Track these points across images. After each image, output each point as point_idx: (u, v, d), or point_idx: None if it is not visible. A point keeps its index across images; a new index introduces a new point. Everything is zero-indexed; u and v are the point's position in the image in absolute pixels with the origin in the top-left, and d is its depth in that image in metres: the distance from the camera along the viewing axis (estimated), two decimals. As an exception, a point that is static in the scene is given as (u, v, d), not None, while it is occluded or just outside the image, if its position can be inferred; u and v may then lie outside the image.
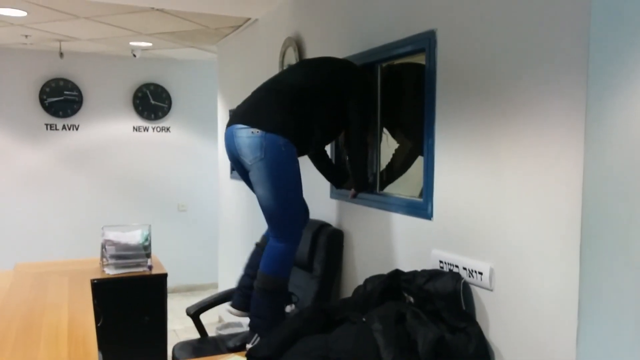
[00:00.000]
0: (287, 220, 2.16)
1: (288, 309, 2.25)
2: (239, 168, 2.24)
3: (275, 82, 2.32)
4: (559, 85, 1.43)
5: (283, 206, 2.13)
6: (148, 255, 3.30)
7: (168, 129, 5.93)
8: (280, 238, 2.16)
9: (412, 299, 1.84)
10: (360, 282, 2.08)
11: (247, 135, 2.08)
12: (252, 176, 2.13)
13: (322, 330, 1.79)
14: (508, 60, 1.60)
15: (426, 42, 1.98)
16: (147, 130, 5.86)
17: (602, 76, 1.36)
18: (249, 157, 2.09)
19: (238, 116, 2.17)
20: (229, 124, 2.19)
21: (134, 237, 3.33)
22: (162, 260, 3.52)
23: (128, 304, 3.17)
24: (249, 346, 2.13)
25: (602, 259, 1.39)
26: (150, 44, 4.95)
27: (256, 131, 2.06)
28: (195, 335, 2.86)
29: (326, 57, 2.46)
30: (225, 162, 4.76)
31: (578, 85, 1.38)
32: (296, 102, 2.18)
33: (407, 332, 1.62)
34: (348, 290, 2.58)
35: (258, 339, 2.12)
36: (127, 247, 3.26)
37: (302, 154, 2.30)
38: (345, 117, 2.26)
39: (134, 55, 5.27)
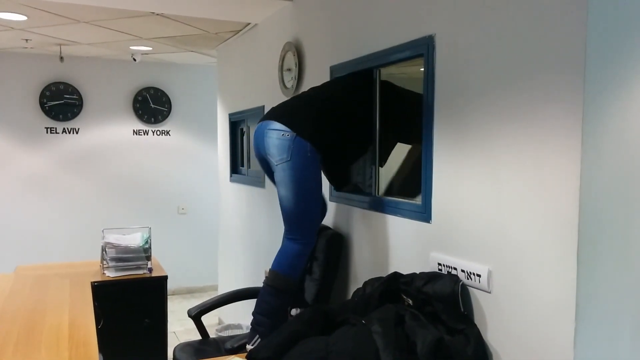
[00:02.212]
0: (303, 222, 2.25)
1: (293, 312, 2.28)
2: (265, 166, 2.35)
3: (309, 95, 2.47)
4: (556, 89, 1.45)
5: (301, 208, 2.23)
6: (148, 258, 3.31)
7: (168, 133, 5.95)
8: (295, 240, 2.25)
9: (410, 301, 1.86)
10: (360, 284, 2.10)
11: (277, 136, 2.19)
12: (277, 176, 2.24)
13: (322, 333, 1.81)
14: (505, 65, 1.62)
15: (424, 47, 2.00)
16: (147, 134, 5.87)
17: (599, 80, 1.38)
18: (275, 158, 2.21)
19: (273, 114, 2.29)
20: (262, 120, 2.31)
21: (134, 240, 3.34)
22: (162, 262, 3.53)
23: (128, 306, 3.17)
24: (249, 347, 2.15)
25: (600, 261, 1.41)
26: (150, 48, 4.97)
27: (286, 134, 2.17)
28: (195, 337, 2.87)
29: (346, 75, 2.61)
30: (225, 166, 4.78)
31: (575, 88, 1.40)
32: (327, 112, 2.32)
33: (406, 334, 1.64)
34: (347, 293, 2.60)
35: (258, 340, 2.14)
36: (127, 249, 3.27)
37: (333, 168, 2.49)
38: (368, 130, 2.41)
39: (134, 59, 5.28)
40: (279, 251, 2.28)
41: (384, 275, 2.01)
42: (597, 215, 1.40)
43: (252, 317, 2.30)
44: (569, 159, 1.42)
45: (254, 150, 2.36)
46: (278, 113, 2.31)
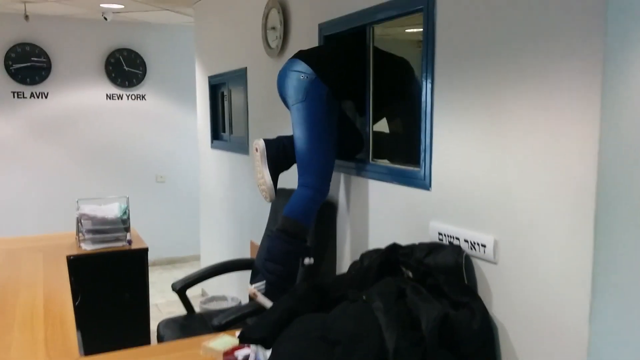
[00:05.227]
0: (316, 165, 2.23)
1: (307, 261, 2.24)
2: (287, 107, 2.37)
3: (336, 47, 2.47)
4: (574, 44, 1.32)
5: (314, 151, 2.22)
6: (127, 229, 3.17)
7: (143, 97, 5.71)
8: (307, 187, 2.22)
9: (410, 274, 1.76)
10: (355, 257, 1.99)
11: (296, 78, 2.22)
12: (292, 117, 2.26)
13: (318, 309, 1.71)
14: (515, 17, 1.48)
15: (424, 1, 1.84)
16: (121, 99, 5.62)
17: (621, 33, 1.26)
18: (292, 98, 2.24)
19: (300, 53, 2.31)
20: (290, 59, 2.31)
21: (111, 211, 3.18)
22: (141, 233, 3.40)
23: (107, 281, 3.06)
24: (250, 287, 2.16)
25: (619, 229, 1.32)
26: (122, 6, 4.70)
27: (305, 76, 2.19)
28: (178, 308, 2.77)
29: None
30: (205, 131, 4.59)
31: (595, 42, 1.27)
32: (348, 64, 2.33)
33: (408, 309, 1.54)
34: (342, 266, 2.50)
35: (264, 285, 2.13)
36: (104, 221, 3.13)
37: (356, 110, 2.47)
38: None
39: (105, 19, 5.00)
40: (291, 198, 2.24)
41: (381, 247, 1.90)
42: (617, 179, 1.30)
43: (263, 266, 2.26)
44: (587, 118, 1.30)
45: (278, 89, 2.38)
46: (306, 52, 2.31)
